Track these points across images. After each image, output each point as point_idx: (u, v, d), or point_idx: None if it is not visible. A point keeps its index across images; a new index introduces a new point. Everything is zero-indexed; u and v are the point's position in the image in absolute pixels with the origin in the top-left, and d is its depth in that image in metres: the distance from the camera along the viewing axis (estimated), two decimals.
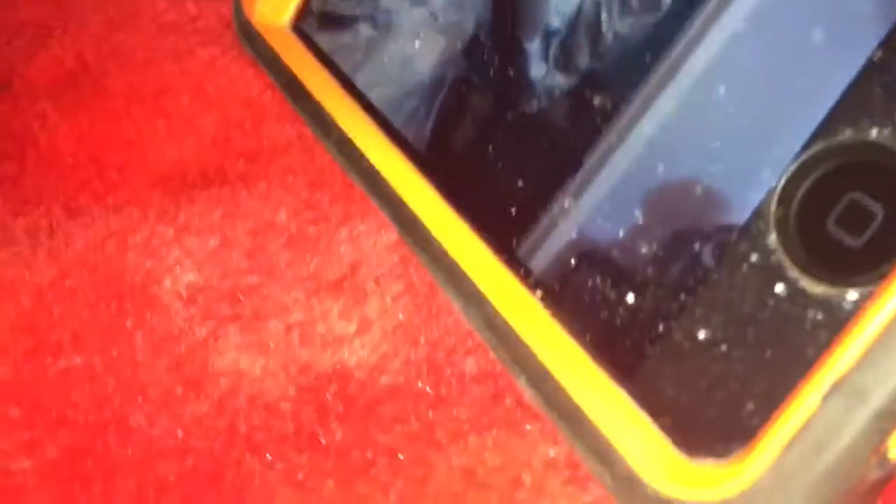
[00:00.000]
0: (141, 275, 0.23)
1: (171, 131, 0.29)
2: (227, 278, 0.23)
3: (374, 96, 0.26)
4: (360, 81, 0.26)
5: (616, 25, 0.20)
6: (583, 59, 0.21)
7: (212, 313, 0.22)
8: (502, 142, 0.22)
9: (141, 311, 0.22)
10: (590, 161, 0.20)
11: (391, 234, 0.24)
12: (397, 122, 0.25)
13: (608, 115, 0.20)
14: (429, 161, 0.23)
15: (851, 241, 0.15)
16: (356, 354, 0.22)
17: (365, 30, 0.27)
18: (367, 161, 0.24)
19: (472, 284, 0.21)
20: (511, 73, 0.22)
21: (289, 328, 0.22)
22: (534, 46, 0.22)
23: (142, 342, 0.21)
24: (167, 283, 0.23)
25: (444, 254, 0.21)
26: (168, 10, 0.32)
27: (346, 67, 0.27)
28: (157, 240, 0.24)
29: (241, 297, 0.23)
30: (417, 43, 0.25)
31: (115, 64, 0.30)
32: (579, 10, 0.21)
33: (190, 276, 0.23)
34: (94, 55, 0.30)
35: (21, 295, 0.22)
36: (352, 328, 0.22)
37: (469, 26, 0.24)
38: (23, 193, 0.27)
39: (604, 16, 0.20)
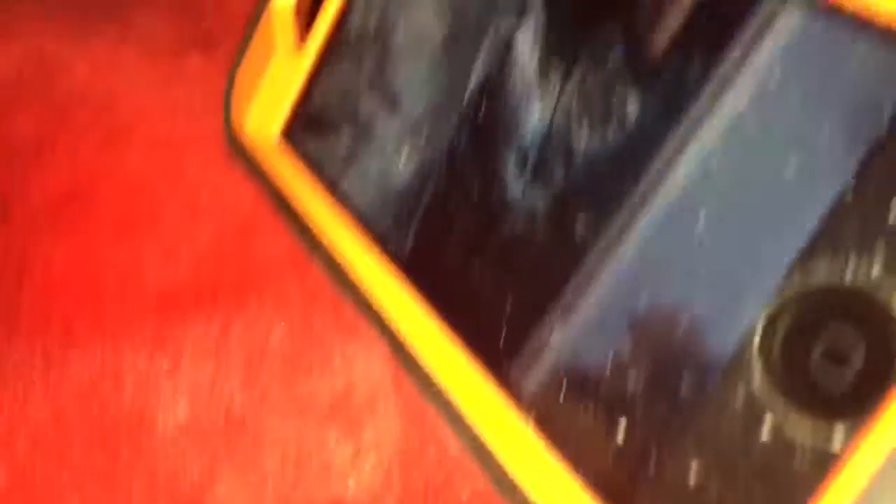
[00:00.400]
0: (136, 413, 0.23)
1: (165, 252, 0.29)
2: (222, 411, 0.23)
3: (361, 213, 0.26)
4: (347, 197, 0.27)
5: (587, 147, 0.20)
6: (558, 181, 0.21)
7: (207, 450, 0.22)
8: (486, 261, 0.22)
9: (136, 452, 0.22)
10: (572, 286, 0.20)
11: (384, 351, 0.24)
12: (384, 239, 0.25)
13: (587, 240, 0.20)
14: (416, 280, 0.23)
15: (833, 385, 0.15)
16: (353, 487, 0.21)
17: (351, 146, 0.27)
18: (357, 280, 0.24)
19: (462, 410, 0.21)
20: (491, 191, 0.22)
21: (284, 460, 0.22)
22: (510, 165, 0.22)
23: (138, 487, 0.21)
24: (162, 420, 0.23)
25: (434, 378, 0.21)
26: (160, 125, 0.33)
27: (333, 182, 0.27)
28: (152, 374, 0.24)
29: (236, 430, 0.22)
30: (402, 159, 0.25)
31: (109, 184, 0.31)
32: (550, 129, 0.21)
33: (184, 411, 0.23)
34: (88, 176, 0.31)
35: (18, 443, 0.22)
36: (348, 457, 0.22)
37: (449, 142, 0.24)
38: (20, 320, 0.27)
39: (574, 136, 0.20)
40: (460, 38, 0.24)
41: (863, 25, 0.16)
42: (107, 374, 0.24)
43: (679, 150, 0.18)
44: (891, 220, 0.15)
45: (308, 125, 0.29)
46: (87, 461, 0.22)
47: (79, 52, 0.35)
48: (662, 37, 0.19)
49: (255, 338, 0.25)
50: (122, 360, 0.24)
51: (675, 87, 0.19)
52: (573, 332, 0.19)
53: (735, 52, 0.18)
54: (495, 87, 0.23)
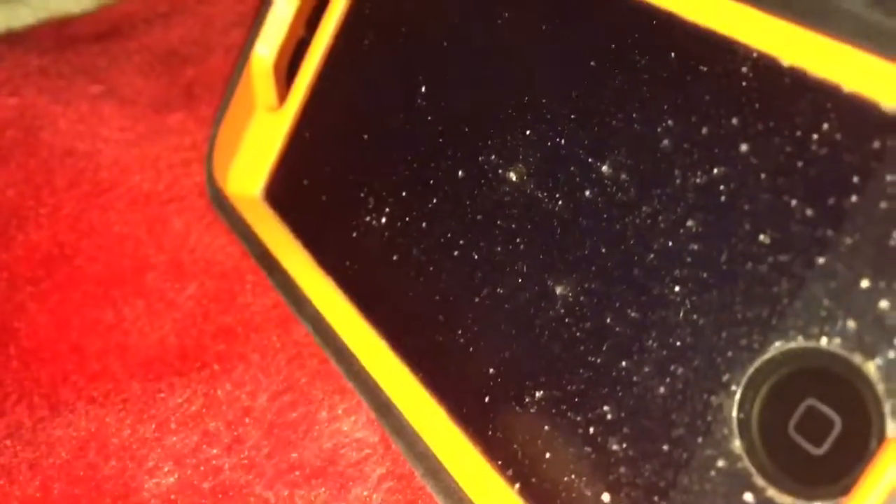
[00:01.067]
0: (123, 481, 0.23)
1: (150, 311, 0.29)
2: (209, 478, 0.23)
3: (343, 275, 0.26)
4: (328, 259, 0.27)
5: (562, 212, 0.20)
6: (535, 245, 0.21)
7: None
8: (472, 325, 0.22)
9: None
10: (553, 352, 0.20)
11: (370, 412, 0.24)
12: (366, 303, 0.25)
13: (566, 307, 0.20)
14: (399, 344, 0.24)
15: (813, 450, 0.16)
16: None
17: (332, 207, 0.27)
18: (341, 341, 0.24)
19: (451, 478, 0.21)
20: (474, 253, 0.22)
21: None
22: (493, 224, 0.22)
23: None
24: (148, 488, 0.23)
25: (421, 444, 0.22)
26: (142, 180, 0.33)
27: (315, 244, 0.27)
28: (137, 440, 0.24)
29: (223, 495, 0.22)
30: (383, 220, 0.25)
31: (92, 243, 0.31)
32: (527, 192, 0.21)
33: (171, 479, 0.23)
34: (71, 236, 0.31)
35: None
36: None
37: (432, 203, 0.24)
38: (4, 388, 0.27)
39: (549, 202, 0.21)
40: (442, 94, 0.25)
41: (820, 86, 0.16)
42: (92, 442, 0.24)
43: (654, 219, 0.19)
44: (862, 286, 0.15)
45: (289, 185, 0.29)
46: None
47: (61, 110, 0.35)
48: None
49: (240, 401, 0.25)
50: (107, 427, 0.24)
51: (649, 158, 0.19)
52: (555, 396, 0.20)
53: (701, 123, 0.18)
54: (477, 146, 0.23)
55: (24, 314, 0.29)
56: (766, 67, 0.17)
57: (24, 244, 0.30)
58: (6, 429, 0.26)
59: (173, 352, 0.27)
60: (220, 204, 0.31)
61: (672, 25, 0.19)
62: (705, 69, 0.18)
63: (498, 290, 0.21)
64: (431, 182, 0.24)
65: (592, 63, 0.20)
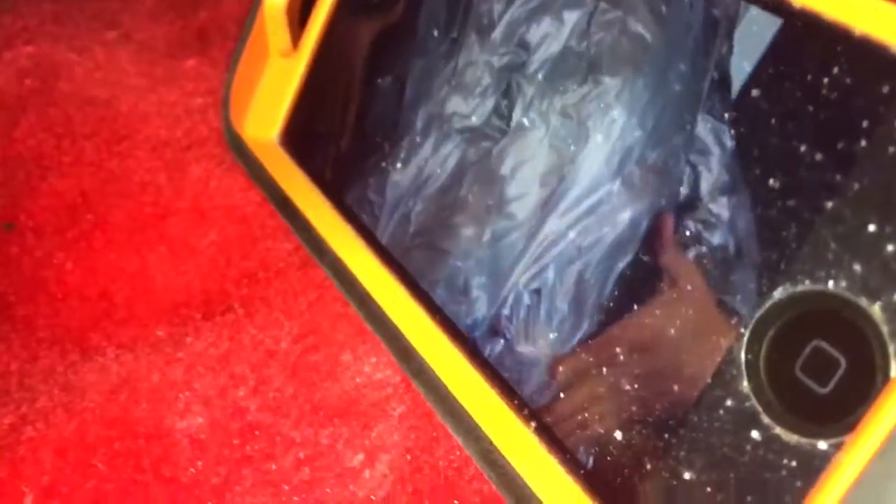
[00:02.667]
0: (154, 423, 0.24)
1: (173, 257, 0.29)
2: (236, 419, 0.24)
3: (360, 218, 0.26)
4: (346, 202, 0.27)
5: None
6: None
7: (223, 458, 0.23)
8: (482, 266, 0.22)
9: (157, 465, 0.23)
10: (570, 295, 0.20)
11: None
12: (388, 243, 0.26)
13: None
14: (420, 290, 0.24)
15: (819, 389, 0.16)
16: (366, 487, 0.22)
17: (348, 149, 0.28)
18: (362, 287, 0.25)
19: (469, 417, 0.21)
20: (491, 193, 0.23)
21: (299, 465, 0.23)
22: (509, 175, 0.22)
23: (160, 494, 0.22)
24: (180, 428, 0.23)
25: (441, 386, 0.22)
26: (160, 126, 0.33)
27: (332, 187, 0.28)
28: (167, 383, 0.25)
29: (250, 435, 0.23)
30: (399, 161, 0.26)
31: (114, 191, 0.31)
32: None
33: (200, 420, 0.24)
34: (93, 184, 0.31)
35: (44, 460, 0.23)
36: (359, 459, 0.23)
37: (445, 143, 0.24)
38: (38, 335, 0.28)
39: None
40: (458, 38, 0.25)
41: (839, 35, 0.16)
42: (123, 387, 0.25)
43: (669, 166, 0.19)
44: (869, 230, 0.15)
45: (304, 130, 0.29)
46: (111, 472, 0.23)
47: (77, 57, 0.36)
48: None
49: (264, 343, 0.26)
50: (137, 372, 0.25)
51: (659, 99, 0.19)
52: (568, 340, 0.20)
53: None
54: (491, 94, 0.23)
55: (51, 262, 0.29)
56: (777, 9, 0.17)
57: (49, 194, 0.31)
58: (40, 373, 0.27)
59: (198, 297, 0.28)
60: (238, 149, 0.31)
61: None
62: (717, 12, 0.18)
63: (512, 237, 0.22)
64: (444, 127, 0.24)
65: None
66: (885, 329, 0.15)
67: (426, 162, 0.24)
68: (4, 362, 0.27)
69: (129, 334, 0.27)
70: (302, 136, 0.30)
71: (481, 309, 0.21)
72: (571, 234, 0.20)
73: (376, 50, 0.27)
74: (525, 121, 0.21)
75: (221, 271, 0.29)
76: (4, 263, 0.29)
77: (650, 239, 0.19)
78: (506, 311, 0.21)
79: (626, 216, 0.19)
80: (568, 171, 0.20)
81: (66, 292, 0.29)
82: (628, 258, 0.19)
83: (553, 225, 0.20)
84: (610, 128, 0.19)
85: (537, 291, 0.20)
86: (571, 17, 0.20)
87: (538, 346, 0.21)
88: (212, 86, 0.35)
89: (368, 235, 0.26)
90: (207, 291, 0.28)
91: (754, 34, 0.17)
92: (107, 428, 0.24)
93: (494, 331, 0.21)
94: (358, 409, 0.24)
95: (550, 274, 0.20)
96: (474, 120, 0.23)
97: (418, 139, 0.25)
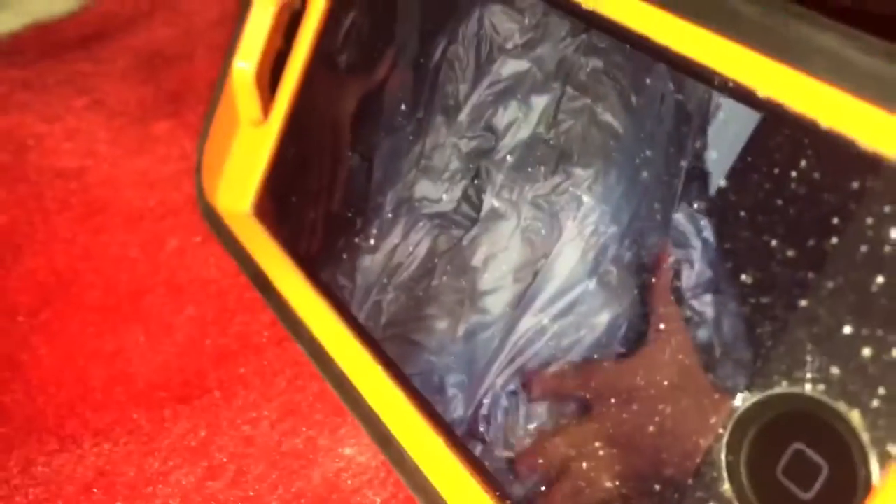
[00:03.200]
0: None
1: (150, 336, 0.29)
2: None
3: (334, 292, 0.26)
4: (320, 275, 0.27)
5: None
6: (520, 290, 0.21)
7: None
8: (460, 353, 0.22)
9: None
10: (548, 388, 0.20)
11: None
12: (360, 322, 0.25)
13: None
14: (398, 372, 0.24)
15: (801, 495, 0.16)
16: None
17: (321, 222, 0.27)
18: (338, 368, 0.25)
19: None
20: (462, 281, 0.22)
21: None
22: (484, 247, 0.22)
23: None
24: None
25: (421, 476, 0.22)
26: (133, 197, 0.33)
27: (305, 260, 0.27)
28: (143, 477, 0.24)
29: None
30: (372, 235, 0.25)
31: (88, 268, 0.31)
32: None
33: None
34: (66, 261, 0.31)
35: None
36: None
37: (420, 217, 0.24)
38: (14, 423, 0.28)
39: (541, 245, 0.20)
40: (430, 105, 0.24)
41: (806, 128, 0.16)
42: (99, 481, 0.24)
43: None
44: (845, 332, 0.15)
45: (277, 201, 0.29)
46: None
47: (48, 127, 0.35)
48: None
49: (241, 430, 0.25)
50: (114, 464, 0.25)
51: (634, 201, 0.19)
52: (552, 432, 0.20)
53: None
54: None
55: (27, 346, 0.29)
56: (742, 98, 0.17)
57: (21, 274, 0.31)
58: (18, 465, 0.26)
59: (175, 378, 0.28)
60: (212, 220, 0.30)
61: (647, 51, 0.18)
62: (680, 97, 0.18)
63: (486, 318, 0.21)
64: (416, 204, 0.24)
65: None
66: (864, 437, 0.15)
67: (396, 248, 0.24)
68: None
69: (105, 420, 0.27)
70: (275, 208, 0.29)
71: (458, 409, 0.21)
72: (547, 335, 0.19)
73: (346, 122, 0.27)
74: (496, 208, 0.21)
75: (199, 349, 0.28)
76: None
77: (629, 336, 0.18)
78: (483, 412, 0.21)
79: (603, 318, 0.18)
80: (542, 266, 0.19)
81: (42, 378, 0.28)
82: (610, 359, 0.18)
83: (528, 323, 0.20)
84: (583, 222, 0.19)
85: (514, 393, 0.20)
86: (539, 102, 0.20)
87: (517, 451, 0.20)
88: (185, 150, 0.34)
89: (345, 314, 0.26)
90: (184, 371, 0.28)
91: (729, 127, 0.17)
92: None
93: (472, 434, 0.21)
94: (339, 496, 0.23)
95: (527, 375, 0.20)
96: (444, 205, 0.22)
97: (388, 222, 0.24)
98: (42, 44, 0.41)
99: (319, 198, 0.27)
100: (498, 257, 0.21)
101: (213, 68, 0.37)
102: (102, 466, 0.25)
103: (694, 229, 0.17)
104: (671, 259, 0.18)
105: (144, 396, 0.27)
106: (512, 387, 0.20)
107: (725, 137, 0.17)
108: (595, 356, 0.19)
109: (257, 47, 0.30)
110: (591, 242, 0.19)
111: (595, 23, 0.19)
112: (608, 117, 0.18)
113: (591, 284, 0.18)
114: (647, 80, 0.18)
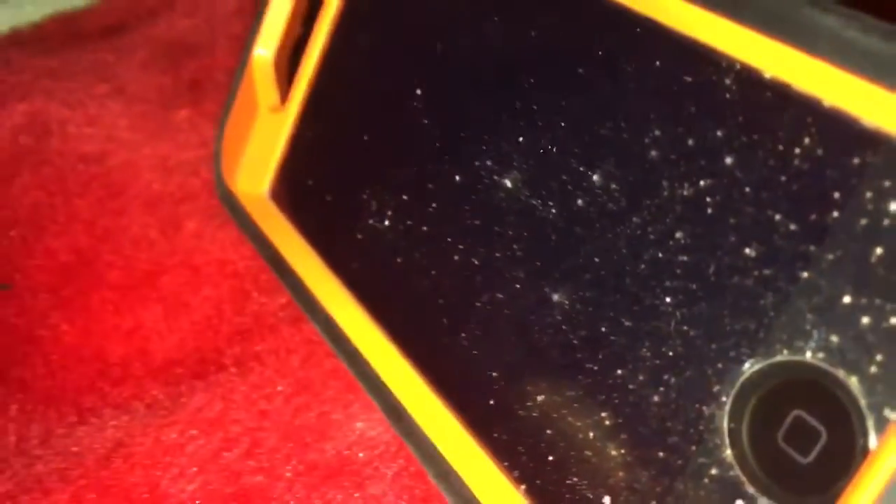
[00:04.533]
0: (149, 490, 0.24)
1: (168, 314, 0.30)
2: (231, 483, 0.24)
3: (350, 274, 0.27)
4: (336, 259, 0.27)
5: (557, 224, 0.21)
6: (532, 255, 0.21)
7: None
8: (474, 330, 0.23)
9: None
10: (553, 358, 0.20)
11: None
12: (377, 303, 0.26)
13: (565, 314, 0.20)
14: (411, 349, 0.24)
15: (801, 460, 0.16)
16: None
17: (337, 205, 0.28)
18: (352, 345, 0.25)
19: (461, 479, 0.22)
20: (476, 254, 0.23)
21: None
22: (495, 226, 0.23)
23: None
24: (174, 494, 0.24)
25: (431, 447, 0.22)
26: (153, 181, 0.34)
27: (322, 243, 0.28)
28: (161, 447, 0.25)
29: (245, 498, 0.23)
30: (387, 219, 0.26)
31: (108, 247, 0.32)
32: (521, 199, 0.22)
33: (194, 485, 0.24)
34: (87, 241, 0.32)
35: None
36: None
37: (436, 201, 0.24)
38: (34, 395, 0.28)
39: (544, 212, 0.21)
40: (438, 97, 0.25)
41: (810, 107, 0.16)
42: (118, 451, 0.25)
43: (643, 230, 0.19)
44: (844, 302, 0.16)
45: (294, 185, 0.30)
46: None
47: (70, 113, 0.36)
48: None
49: (257, 403, 0.26)
50: (132, 435, 0.25)
51: (637, 168, 0.19)
52: (556, 401, 0.20)
53: (689, 137, 0.18)
54: (472, 150, 0.23)
55: (47, 322, 0.29)
56: (748, 80, 0.17)
57: (44, 253, 0.31)
58: (38, 436, 0.27)
59: (192, 355, 0.28)
60: (230, 204, 0.31)
61: (656, 34, 0.19)
62: (689, 79, 0.18)
63: (498, 295, 0.22)
64: (430, 185, 0.24)
65: (581, 70, 0.21)
66: (863, 402, 0.15)
67: (410, 229, 0.24)
68: (1, 426, 0.27)
69: (124, 395, 0.28)
70: (292, 191, 0.30)
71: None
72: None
73: (362, 107, 0.28)
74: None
75: (215, 328, 0.29)
76: (1, 325, 0.30)
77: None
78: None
79: None
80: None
81: (62, 353, 0.29)
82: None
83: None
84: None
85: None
86: None
87: (524, 422, 0.21)
88: (204, 138, 0.35)
89: (358, 293, 0.26)
90: (201, 349, 0.28)
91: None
92: (102, 496, 0.24)
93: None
94: (351, 468, 0.24)
95: None
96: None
97: (403, 204, 0.25)
98: (64, 34, 0.42)
99: (335, 181, 0.28)
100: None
101: (232, 58, 0.38)
102: (121, 437, 0.25)
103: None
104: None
105: (162, 372, 0.28)
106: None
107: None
108: (603, 329, 0.19)
109: (276, 34, 0.30)
110: None
111: (597, 5, 0.20)
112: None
113: None
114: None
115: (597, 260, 0.20)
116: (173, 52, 0.39)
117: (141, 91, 0.37)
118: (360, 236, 0.26)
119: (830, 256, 0.16)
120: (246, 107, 0.31)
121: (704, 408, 0.17)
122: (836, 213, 0.16)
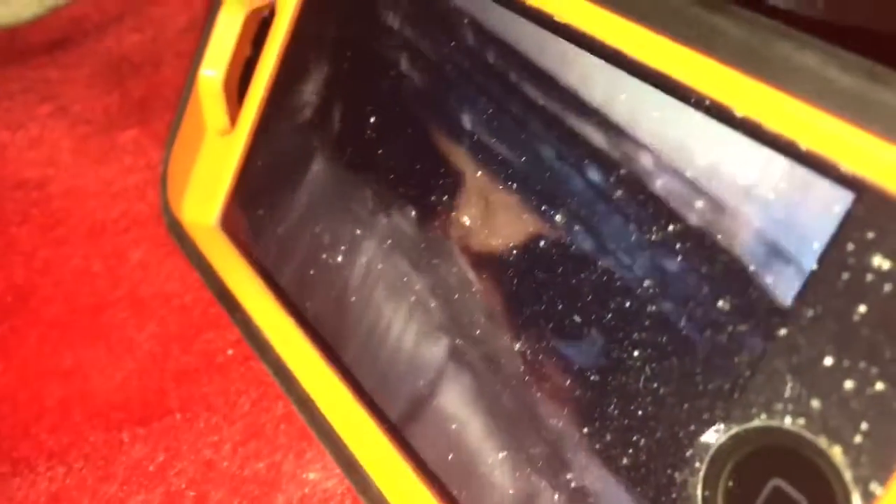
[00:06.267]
0: None
1: (110, 353, 0.28)
2: None
3: (304, 313, 0.25)
4: (287, 293, 0.26)
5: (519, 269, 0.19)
6: (494, 293, 0.20)
7: None
8: (435, 379, 0.21)
9: None
10: (516, 413, 0.19)
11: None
12: (330, 344, 0.24)
13: (527, 364, 0.19)
14: (366, 396, 0.23)
15: None
16: None
17: (289, 237, 0.26)
18: (304, 390, 0.24)
19: None
20: (431, 301, 0.22)
21: None
22: (451, 264, 0.21)
23: None
24: None
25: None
26: (96, 208, 0.32)
27: (272, 276, 0.26)
28: (98, 503, 0.23)
29: None
30: (340, 250, 0.24)
31: (47, 282, 0.30)
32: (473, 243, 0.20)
33: None
34: (25, 275, 0.30)
35: None
36: None
37: (389, 229, 0.23)
38: None
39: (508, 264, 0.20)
40: (392, 125, 0.24)
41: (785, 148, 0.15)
42: None
43: (609, 276, 0.18)
44: (825, 364, 0.14)
45: (244, 215, 0.28)
46: None
47: (10, 135, 0.34)
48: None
49: (203, 453, 0.24)
50: (68, 490, 0.24)
51: (603, 208, 0.18)
52: (520, 459, 0.19)
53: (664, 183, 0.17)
54: (429, 184, 0.22)
55: None
56: (718, 118, 0.16)
57: None
58: None
59: (135, 398, 0.27)
60: (177, 233, 0.29)
61: (623, 66, 0.18)
62: (656, 115, 0.17)
63: (457, 341, 0.21)
64: (384, 220, 0.23)
65: (545, 105, 0.19)
66: (847, 474, 0.14)
67: (366, 265, 0.23)
68: None
69: (61, 443, 0.26)
70: (242, 221, 0.28)
71: None
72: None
73: (315, 133, 0.26)
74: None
75: (160, 367, 0.27)
76: None
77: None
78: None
79: None
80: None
81: None
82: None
83: None
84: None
85: None
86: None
87: (488, 480, 0.19)
88: (151, 160, 0.33)
89: (311, 333, 0.25)
90: (145, 391, 0.27)
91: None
92: None
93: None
94: None
95: None
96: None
97: (358, 238, 0.23)
98: (6, 49, 0.40)
99: (287, 211, 0.26)
100: None
101: (182, 76, 0.36)
102: (56, 492, 0.24)
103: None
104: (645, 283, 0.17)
105: (102, 417, 0.26)
106: None
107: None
108: (567, 382, 0.18)
109: (225, 55, 0.29)
110: None
111: (564, 34, 0.19)
112: None
113: None
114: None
115: (560, 307, 0.18)
116: (120, 69, 0.37)
117: (85, 111, 0.35)
118: (312, 272, 0.25)
119: (810, 313, 0.15)
120: (193, 130, 0.29)
121: (676, 474, 0.16)
122: (815, 266, 0.15)
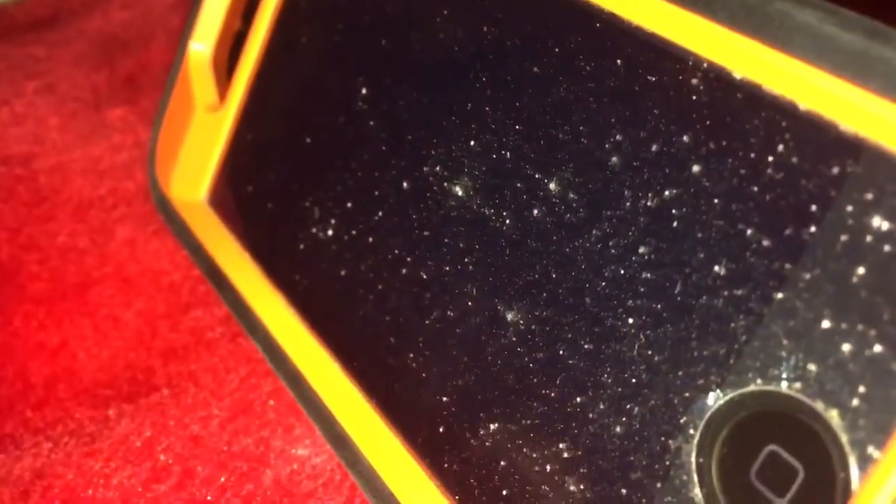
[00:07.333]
0: None
1: (97, 330, 0.28)
2: None
3: (294, 288, 0.25)
4: (276, 269, 0.25)
5: (513, 237, 0.19)
6: (486, 267, 0.20)
7: None
8: (423, 349, 0.21)
9: None
10: (506, 382, 0.19)
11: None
12: (320, 319, 0.24)
13: (519, 334, 0.19)
14: (356, 370, 0.22)
15: (775, 499, 0.15)
16: None
17: (278, 213, 0.26)
18: (294, 366, 0.23)
19: None
20: (424, 263, 0.21)
21: None
22: (444, 238, 0.21)
23: None
24: None
25: (378, 479, 0.21)
26: (83, 185, 0.31)
27: (261, 252, 0.26)
28: (84, 479, 0.23)
29: None
30: (330, 227, 0.24)
31: (33, 257, 0.29)
32: (476, 211, 0.20)
33: None
34: (11, 252, 0.29)
35: None
36: None
37: (380, 209, 0.23)
38: None
39: (500, 224, 0.19)
40: (383, 97, 0.23)
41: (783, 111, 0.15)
42: (38, 483, 0.23)
43: (604, 243, 0.17)
44: (823, 327, 0.14)
45: (233, 191, 0.28)
46: None
47: None
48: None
49: (190, 428, 0.24)
50: (53, 465, 0.23)
51: (597, 176, 0.18)
52: (510, 429, 0.19)
53: (660, 151, 0.17)
54: (421, 155, 0.22)
55: None
56: (716, 80, 0.16)
57: None
58: None
59: (122, 375, 0.26)
60: (165, 210, 0.29)
61: (617, 30, 0.17)
62: (653, 79, 0.17)
63: (448, 312, 0.20)
64: (376, 193, 0.23)
65: (536, 69, 0.19)
66: (844, 438, 0.14)
67: (355, 239, 0.22)
68: None
69: (47, 419, 0.25)
70: (231, 198, 0.28)
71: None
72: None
73: (305, 108, 0.26)
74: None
75: (147, 345, 0.27)
76: None
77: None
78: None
79: None
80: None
81: None
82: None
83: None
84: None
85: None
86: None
87: (478, 453, 0.19)
88: (139, 138, 0.33)
89: (300, 308, 0.24)
90: (132, 368, 0.26)
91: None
92: None
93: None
94: (292, 500, 0.22)
95: None
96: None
97: (348, 212, 0.23)
98: None
99: (276, 187, 0.26)
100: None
101: (171, 53, 0.35)
102: (40, 468, 0.23)
103: None
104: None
105: (88, 394, 0.26)
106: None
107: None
108: (561, 351, 0.18)
109: (214, 28, 0.28)
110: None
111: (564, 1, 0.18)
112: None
113: None
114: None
115: (554, 276, 0.18)
116: (108, 47, 0.37)
117: (73, 88, 0.35)
118: (302, 247, 0.25)
119: (807, 276, 0.14)
120: (182, 106, 0.29)
121: (671, 441, 0.16)
122: (813, 228, 0.14)
